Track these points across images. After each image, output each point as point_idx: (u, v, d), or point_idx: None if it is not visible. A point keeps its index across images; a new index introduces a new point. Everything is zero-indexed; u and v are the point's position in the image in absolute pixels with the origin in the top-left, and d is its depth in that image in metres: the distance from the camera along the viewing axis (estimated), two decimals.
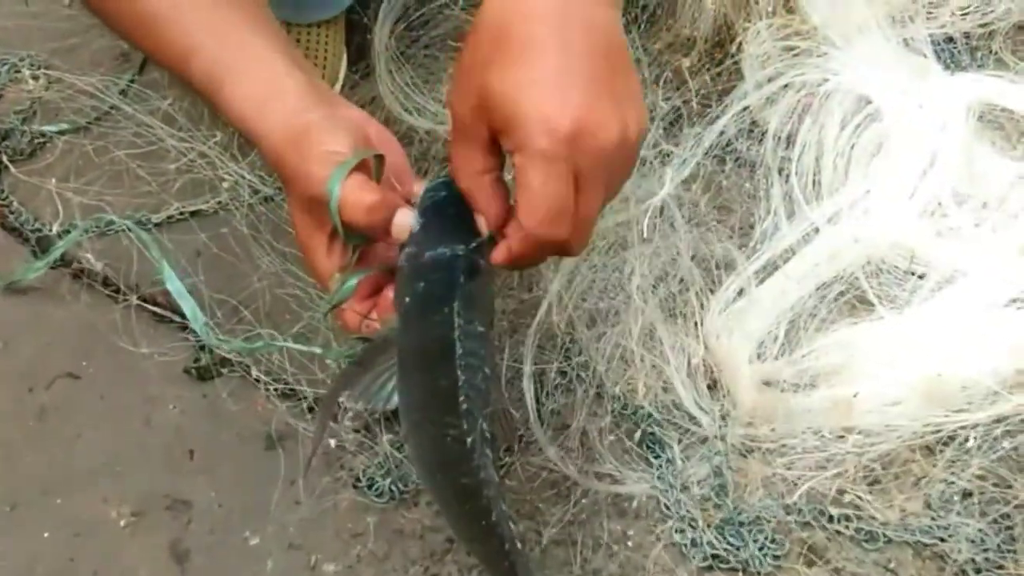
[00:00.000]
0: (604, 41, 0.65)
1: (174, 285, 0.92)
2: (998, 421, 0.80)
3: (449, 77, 1.08)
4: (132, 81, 1.09)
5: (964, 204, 0.94)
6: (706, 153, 0.99)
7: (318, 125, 0.71)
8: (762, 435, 0.82)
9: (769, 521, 0.79)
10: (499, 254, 0.68)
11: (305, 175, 0.69)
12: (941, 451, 0.80)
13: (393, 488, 0.84)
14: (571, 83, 0.63)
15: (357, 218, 0.68)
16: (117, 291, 0.95)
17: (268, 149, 0.72)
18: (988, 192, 0.94)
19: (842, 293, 0.90)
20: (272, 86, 0.73)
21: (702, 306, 0.89)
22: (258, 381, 0.89)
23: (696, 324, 0.88)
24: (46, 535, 0.84)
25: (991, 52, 1.07)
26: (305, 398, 0.88)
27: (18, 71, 1.11)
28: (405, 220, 0.70)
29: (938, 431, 0.80)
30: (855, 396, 0.80)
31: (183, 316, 0.93)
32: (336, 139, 0.70)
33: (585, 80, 0.63)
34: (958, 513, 0.79)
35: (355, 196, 0.68)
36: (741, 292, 0.89)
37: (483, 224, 0.69)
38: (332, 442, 0.87)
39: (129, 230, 0.97)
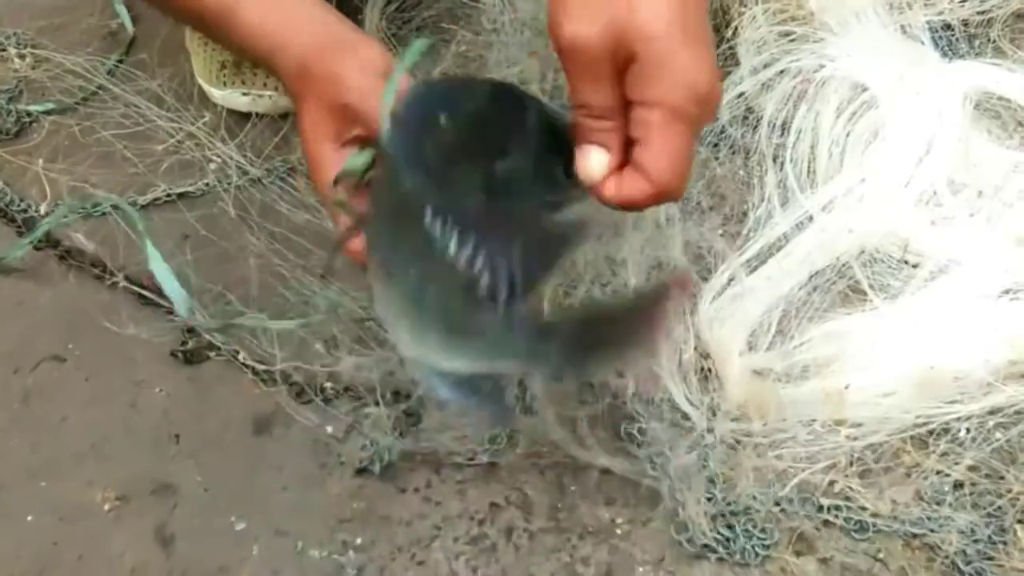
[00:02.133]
0: None
1: (158, 266, 0.91)
2: (991, 412, 0.79)
3: (442, 58, 1.07)
4: (120, 61, 1.08)
5: (959, 193, 0.93)
6: (700, 139, 0.98)
7: (352, 37, 0.71)
8: (753, 426, 0.81)
9: (759, 511, 0.79)
10: (608, 190, 0.64)
11: (336, 79, 0.68)
12: (933, 442, 0.80)
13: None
14: (705, 41, 0.62)
15: None
16: (105, 270, 0.94)
17: (291, 56, 0.70)
18: (984, 181, 0.93)
19: (836, 282, 0.89)
20: (297, 3, 0.73)
21: (694, 295, 0.88)
22: (246, 365, 0.88)
23: (687, 313, 0.87)
24: (30, 519, 0.83)
25: (989, 40, 1.06)
26: (294, 383, 0.87)
27: (4, 49, 1.09)
28: None
29: (930, 422, 0.79)
30: (846, 388, 0.79)
31: (169, 299, 0.92)
32: (372, 51, 0.69)
33: (709, 36, 0.63)
34: (949, 504, 0.78)
35: None
36: (731, 281, 0.88)
37: (600, 164, 0.65)
38: (329, 428, 0.86)
39: (117, 208, 0.96)
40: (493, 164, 0.65)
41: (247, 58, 0.78)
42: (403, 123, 0.65)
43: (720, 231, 0.94)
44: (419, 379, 0.72)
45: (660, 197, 0.64)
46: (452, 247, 0.62)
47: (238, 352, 0.89)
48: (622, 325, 0.68)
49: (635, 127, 0.63)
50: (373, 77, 0.68)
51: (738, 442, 0.81)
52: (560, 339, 0.65)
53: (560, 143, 0.66)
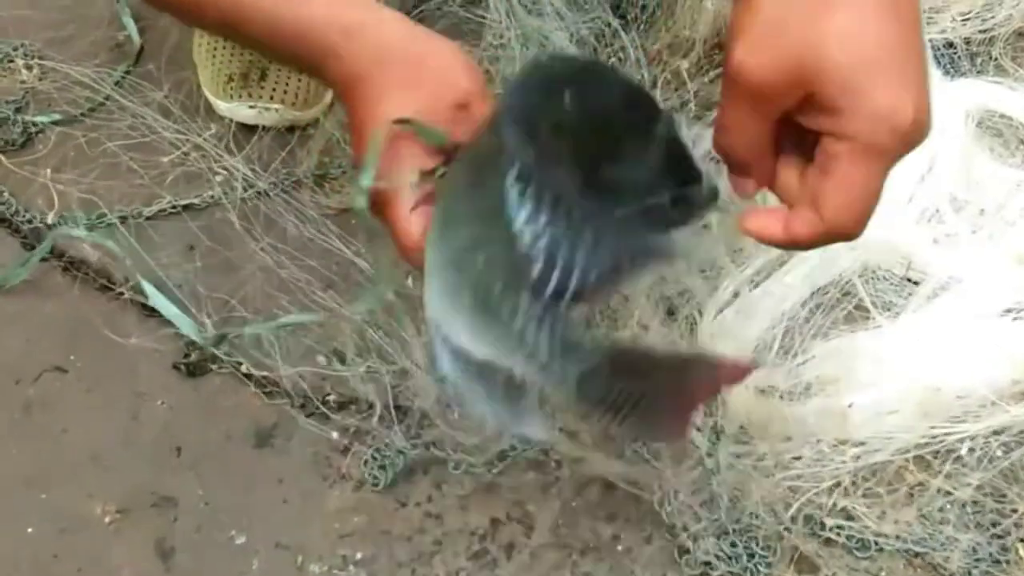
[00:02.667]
0: (916, 3, 0.57)
1: (158, 300, 0.91)
2: (995, 432, 0.79)
3: None
4: (127, 73, 1.08)
5: (962, 211, 0.93)
6: (704, 155, 0.98)
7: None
8: (756, 443, 0.81)
9: (761, 529, 0.78)
10: (773, 228, 0.60)
11: (446, 72, 0.64)
12: (936, 461, 0.80)
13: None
14: (911, 63, 0.55)
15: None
16: (110, 281, 0.94)
17: (393, 38, 0.65)
18: (986, 199, 0.93)
19: (838, 299, 0.89)
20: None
21: (699, 311, 0.88)
22: (249, 377, 0.88)
23: (692, 329, 0.87)
24: (30, 530, 0.83)
25: (991, 58, 1.06)
26: (297, 395, 0.88)
27: (11, 60, 1.10)
28: None
29: (933, 442, 0.79)
30: (849, 406, 0.79)
31: None
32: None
33: (919, 58, 0.56)
34: (952, 523, 0.78)
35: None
36: (737, 295, 0.88)
37: (745, 187, 0.62)
38: (331, 440, 0.86)
39: (124, 220, 0.97)
40: (604, 162, 0.59)
41: (278, 48, 0.69)
42: (524, 85, 0.60)
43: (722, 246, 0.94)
44: (428, 346, 0.66)
45: (831, 236, 0.58)
46: (522, 218, 0.57)
47: (241, 364, 0.89)
48: (660, 389, 0.62)
49: (820, 157, 0.57)
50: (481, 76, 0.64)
51: (739, 457, 0.81)
52: (586, 365, 0.60)
53: (680, 166, 0.60)
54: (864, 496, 0.80)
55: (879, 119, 0.54)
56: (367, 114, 0.65)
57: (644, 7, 1.08)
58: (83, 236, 0.93)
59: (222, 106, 1.04)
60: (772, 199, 0.63)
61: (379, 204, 0.65)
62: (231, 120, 1.03)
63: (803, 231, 0.59)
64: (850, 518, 0.79)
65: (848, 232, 0.58)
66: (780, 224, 0.60)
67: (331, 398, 0.87)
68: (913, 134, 0.55)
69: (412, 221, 0.64)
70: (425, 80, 0.65)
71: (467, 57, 0.67)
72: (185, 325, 0.90)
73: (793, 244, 0.60)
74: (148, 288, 0.91)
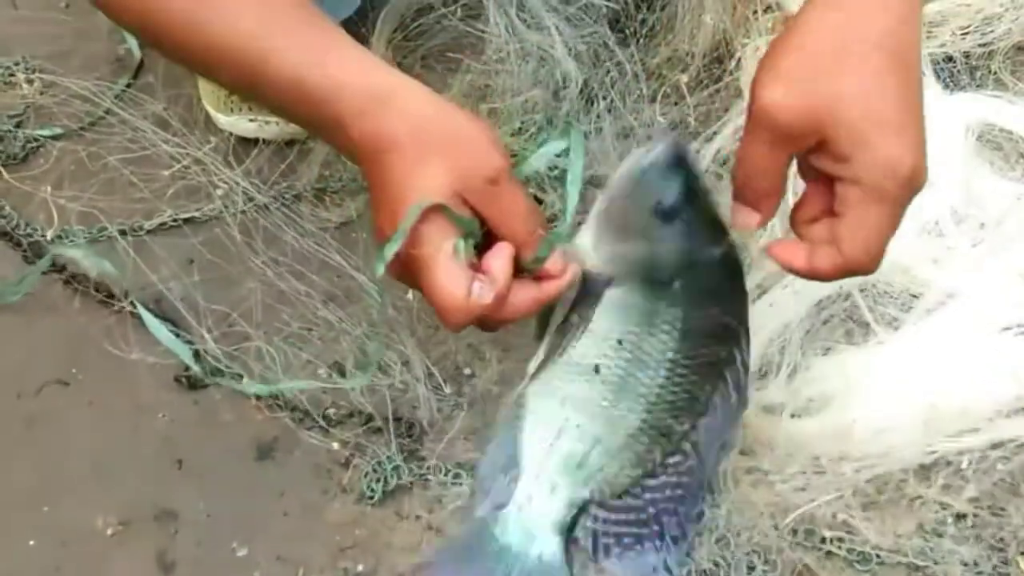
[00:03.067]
0: (918, 68, 0.67)
1: (159, 331, 0.91)
2: (994, 446, 0.79)
3: (447, 87, 1.08)
4: (127, 86, 1.09)
5: (962, 224, 0.93)
6: (704, 170, 0.98)
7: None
8: (759, 458, 0.81)
9: (762, 542, 0.78)
10: (797, 259, 0.70)
11: (483, 144, 0.68)
12: (935, 475, 0.80)
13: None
14: (911, 122, 0.65)
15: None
16: (110, 295, 0.94)
17: (426, 110, 0.69)
18: (986, 212, 0.94)
19: (838, 312, 0.89)
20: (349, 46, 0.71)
21: None
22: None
23: None
24: (32, 543, 0.83)
25: (991, 72, 1.07)
26: (298, 408, 0.88)
27: (12, 75, 1.10)
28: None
29: (933, 456, 0.79)
30: (854, 429, 0.79)
31: (175, 323, 0.93)
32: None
33: (917, 118, 0.66)
34: (952, 536, 0.78)
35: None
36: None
37: (749, 220, 0.72)
38: (335, 444, 0.86)
39: (124, 233, 0.97)
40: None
41: (299, 111, 0.71)
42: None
43: None
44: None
45: (848, 271, 0.67)
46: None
47: (242, 377, 0.89)
48: None
49: (838, 201, 0.66)
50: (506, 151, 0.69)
51: (743, 473, 0.81)
52: None
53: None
54: (864, 509, 0.80)
55: (883, 168, 0.64)
56: (401, 181, 0.67)
57: (644, 21, 1.08)
58: (80, 256, 0.93)
59: (222, 119, 1.04)
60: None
61: (414, 269, 0.68)
62: (231, 133, 1.03)
63: (823, 265, 0.68)
64: (850, 531, 0.79)
65: (864, 267, 0.67)
66: (804, 256, 0.69)
67: (331, 411, 0.87)
68: (912, 181, 0.64)
69: (456, 282, 0.67)
70: (461, 154, 0.68)
71: (494, 132, 0.71)
72: (180, 350, 0.89)
73: (813, 275, 0.70)
74: (144, 314, 0.91)
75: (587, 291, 0.77)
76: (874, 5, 0.66)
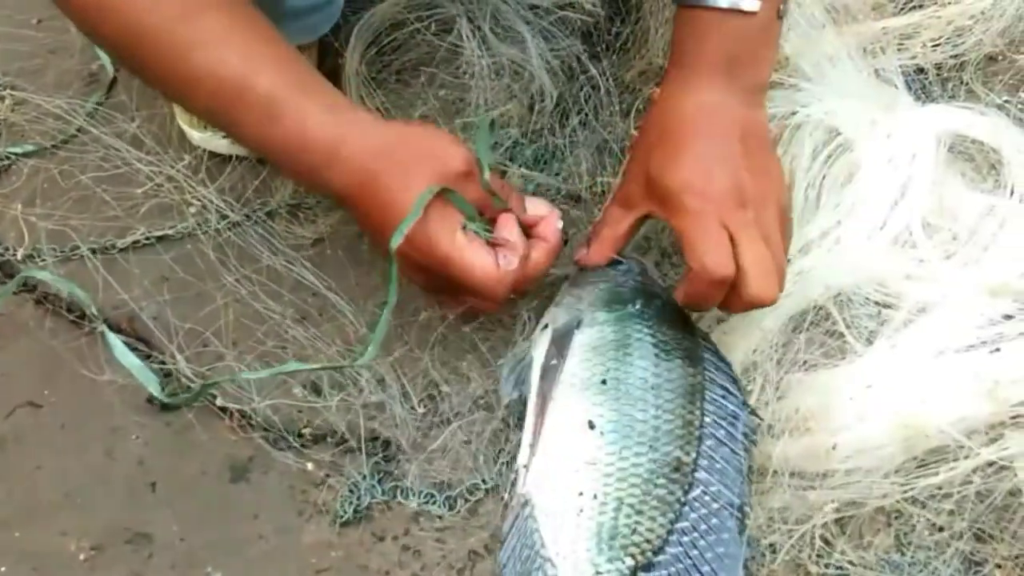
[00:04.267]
0: (741, 131, 0.81)
1: (125, 357, 0.90)
2: (972, 462, 0.79)
3: (422, 102, 1.08)
4: (100, 104, 1.08)
5: (935, 236, 0.93)
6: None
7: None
8: None
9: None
10: (677, 293, 0.81)
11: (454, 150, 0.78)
12: (915, 491, 0.80)
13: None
14: (715, 163, 0.79)
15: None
16: (82, 316, 0.93)
17: (377, 138, 0.77)
18: (958, 224, 0.94)
19: (814, 325, 0.89)
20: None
21: None
22: (224, 411, 0.88)
23: None
24: (3, 569, 0.82)
25: (962, 83, 1.07)
26: (272, 429, 0.87)
27: None
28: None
29: (912, 473, 0.79)
30: (833, 448, 0.79)
31: (148, 343, 0.92)
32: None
33: (722, 158, 0.79)
34: (931, 550, 0.79)
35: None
36: (719, 322, 0.88)
37: (580, 252, 0.87)
38: (310, 464, 0.86)
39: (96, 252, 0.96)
40: None
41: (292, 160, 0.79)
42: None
43: None
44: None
45: (709, 281, 0.78)
46: None
47: (216, 397, 0.88)
48: None
49: (679, 239, 0.81)
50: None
51: None
52: None
53: None
54: (843, 525, 0.80)
55: (682, 191, 0.79)
56: (394, 195, 0.76)
57: (617, 35, 1.08)
58: (49, 279, 0.93)
59: (196, 135, 1.03)
60: None
61: (439, 265, 0.77)
62: (204, 150, 1.03)
63: (687, 286, 0.79)
64: (829, 545, 0.79)
65: (716, 273, 0.77)
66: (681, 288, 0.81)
67: (306, 431, 0.87)
68: (718, 200, 0.78)
69: (484, 258, 0.77)
70: (433, 161, 0.78)
71: (446, 130, 0.83)
72: (148, 379, 0.88)
73: (690, 297, 0.80)
74: (112, 341, 0.90)
75: (560, 337, 0.81)
76: (722, 93, 0.82)
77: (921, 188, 0.95)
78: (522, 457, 0.77)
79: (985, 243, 0.92)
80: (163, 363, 0.90)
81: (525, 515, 0.74)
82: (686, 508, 0.73)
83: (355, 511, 0.82)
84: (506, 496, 0.81)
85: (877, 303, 0.90)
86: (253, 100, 0.75)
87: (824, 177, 0.96)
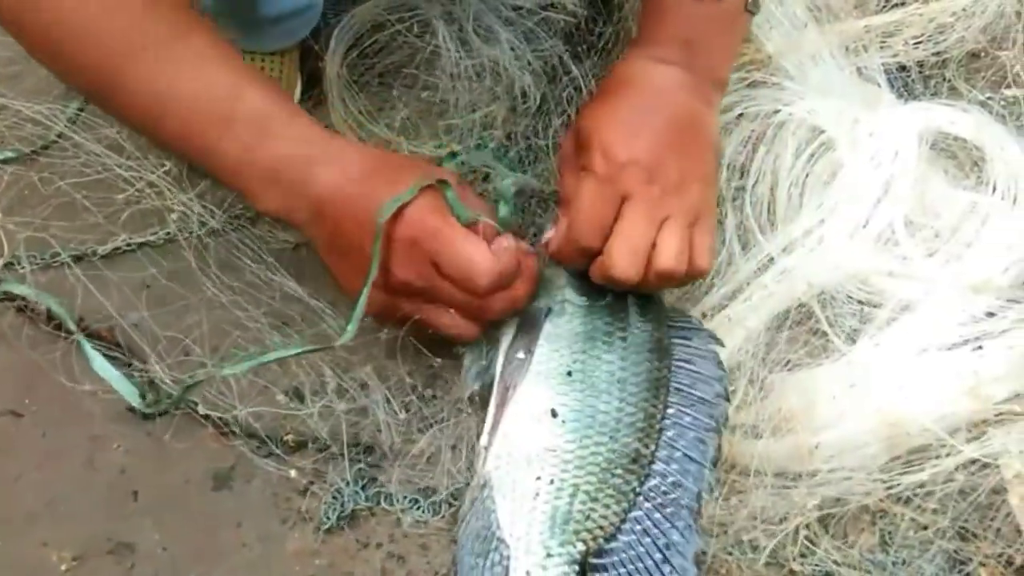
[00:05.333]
0: (681, 116, 0.79)
1: (102, 367, 0.89)
2: (955, 460, 0.79)
3: (404, 104, 1.07)
4: (81, 110, 1.07)
5: (917, 233, 0.94)
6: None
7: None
8: (722, 478, 0.81)
9: (726, 560, 0.78)
10: (551, 243, 0.81)
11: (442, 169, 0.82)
12: (898, 489, 0.79)
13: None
14: (640, 131, 0.77)
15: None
16: (60, 327, 0.93)
17: (366, 154, 0.80)
18: (941, 221, 0.94)
19: (797, 323, 0.89)
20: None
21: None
22: (206, 418, 0.87)
23: None
24: None
25: (944, 80, 1.07)
26: (254, 435, 0.86)
27: None
28: None
29: (895, 471, 0.79)
30: (816, 447, 0.79)
31: (129, 350, 0.91)
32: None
33: (654, 134, 0.77)
34: (915, 549, 0.79)
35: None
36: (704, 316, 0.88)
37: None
38: (293, 471, 0.85)
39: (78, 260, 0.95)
40: None
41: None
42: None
43: None
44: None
45: (577, 248, 0.79)
46: None
47: (197, 404, 0.88)
48: None
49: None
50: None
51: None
52: None
53: None
54: (827, 524, 0.80)
55: (597, 149, 0.77)
56: (389, 187, 0.76)
57: (600, 35, 1.08)
58: (27, 293, 0.92)
59: None
60: None
61: (430, 246, 0.75)
62: None
63: (556, 241, 0.81)
64: (813, 544, 0.79)
65: (584, 242, 0.77)
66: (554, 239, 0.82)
67: (289, 438, 0.86)
68: (627, 170, 0.76)
69: (477, 241, 0.76)
70: (423, 166, 0.80)
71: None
72: (127, 391, 0.88)
73: (557, 254, 0.82)
74: (90, 353, 0.89)
75: (527, 324, 0.80)
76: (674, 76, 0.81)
77: (904, 186, 0.95)
78: (484, 439, 0.78)
79: (968, 240, 0.93)
80: (144, 371, 0.89)
81: (484, 496, 0.75)
82: (640, 498, 0.74)
83: (339, 518, 0.82)
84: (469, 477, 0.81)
85: (860, 301, 0.90)
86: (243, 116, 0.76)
87: (807, 175, 0.97)
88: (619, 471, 0.75)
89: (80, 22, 0.75)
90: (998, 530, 0.78)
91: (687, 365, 0.79)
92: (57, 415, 0.89)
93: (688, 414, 0.78)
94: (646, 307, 0.82)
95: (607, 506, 0.74)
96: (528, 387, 0.77)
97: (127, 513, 0.84)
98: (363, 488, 0.83)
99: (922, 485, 0.79)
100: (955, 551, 0.78)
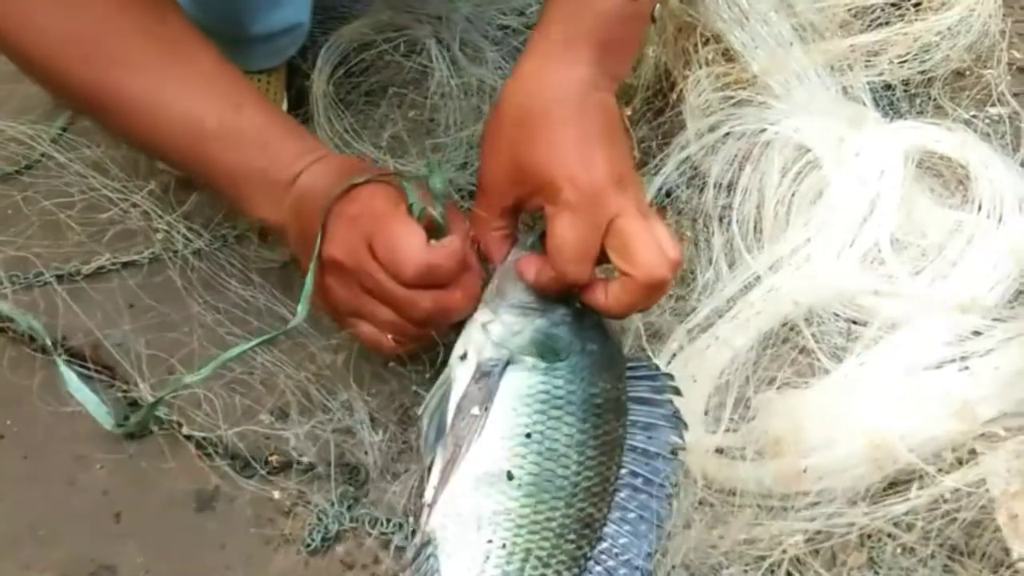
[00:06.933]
0: (611, 118, 0.78)
1: (77, 388, 0.88)
2: (944, 480, 0.79)
3: (391, 123, 1.07)
4: (64, 129, 1.07)
5: (903, 252, 0.94)
6: (648, 203, 0.98)
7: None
8: (710, 498, 0.80)
9: None
10: (529, 274, 0.79)
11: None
12: (886, 510, 0.79)
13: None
14: (587, 148, 0.75)
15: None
16: (43, 348, 0.92)
17: (350, 158, 0.84)
18: (927, 240, 0.94)
19: (784, 341, 0.89)
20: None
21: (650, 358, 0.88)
22: (189, 439, 0.86)
23: None
24: None
25: (930, 99, 1.08)
26: (238, 456, 0.86)
27: None
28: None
29: (883, 492, 0.79)
30: (804, 471, 0.78)
31: (112, 371, 0.90)
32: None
33: (597, 142, 0.76)
34: (904, 569, 0.78)
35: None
36: (680, 350, 0.88)
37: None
38: (276, 492, 0.84)
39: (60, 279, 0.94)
40: None
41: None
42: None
43: (669, 292, 0.94)
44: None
45: (569, 284, 0.78)
46: None
47: (181, 425, 0.87)
48: None
49: (547, 229, 0.78)
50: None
51: (695, 511, 0.81)
52: None
53: None
54: (814, 544, 0.79)
55: (562, 182, 0.75)
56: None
57: None
58: (6, 311, 0.92)
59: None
60: None
61: (369, 224, 0.75)
62: (170, 175, 1.02)
63: (544, 280, 0.79)
64: (800, 563, 0.79)
65: (575, 276, 0.76)
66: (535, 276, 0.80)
67: (273, 458, 0.85)
68: (599, 194, 0.75)
69: (414, 228, 0.74)
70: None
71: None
72: (100, 414, 0.87)
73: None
74: (66, 373, 0.88)
75: (484, 380, 0.76)
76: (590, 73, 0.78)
77: (890, 204, 0.95)
78: (428, 495, 0.74)
79: (954, 259, 0.93)
80: (127, 391, 0.89)
81: (427, 554, 0.72)
82: (591, 562, 0.73)
83: (323, 539, 0.81)
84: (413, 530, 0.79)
85: (847, 320, 0.90)
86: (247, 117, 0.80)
87: (793, 194, 0.97)
88: (572, 536, 0.73)
89: (74, 32, 0.78)
90: (984, 550, 0.78)
91: (643, 419, 0.78)
92: (39, 436, 0.88)
93: (641, 474, 0.76)
94: (608, 360, 0.80)
95: (558, 572, 0.72)
96: (483, 446, 0.74)
97: (110, 535, 0.83)
98: (348, 509, 0.82)
99: (910, 503, 0.79)
100: (943, 570, 0.78)
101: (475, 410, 0.75)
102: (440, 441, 0.75)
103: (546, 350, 0.78)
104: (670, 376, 0.81)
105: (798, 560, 0.78)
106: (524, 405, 0.75)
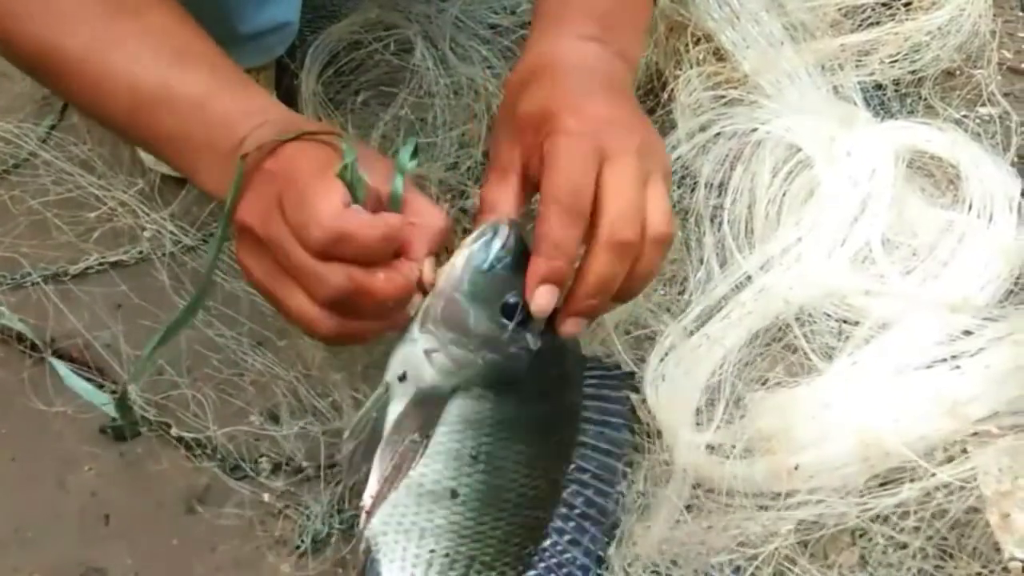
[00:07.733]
0: (621, 87, 0.75)
1: (72, 380, 0.88)
2: (935, 478, 0.79)
3: (381, 122, 1.07)
4: (52, 128, 1.06)
5: (894, 252, 0.94)
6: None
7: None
8: (701, 498, 0.80)
9: None
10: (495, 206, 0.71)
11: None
12: (877, 508, 0.79)
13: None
14: (594, 93, 0.71)
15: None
16: (34, 347, 0.91)
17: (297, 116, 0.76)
18: (918, 239, 0.94)
19: (775, 340, 0.89)
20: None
21: (642, 360, 0.88)
22: (179, 440, 0.86)
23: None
24: None
25: (920, 98, 1.08)
26: (228, 458, 0.85)
27: None
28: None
29: (875, 490, 0.78)
30: (795, 468, 0.78)
31: (101, 371, 0.90)
32: None
33: (601, 88, 0.72)
34: (894, 567, 0.78)
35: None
36: (672, 349, 0.88)
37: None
38: (267, 494, 0.84)
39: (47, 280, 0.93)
40: None
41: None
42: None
43: (661, 291, 0.94)
44: None
45: (566, 219, 0.68)
46: None
47: (170, 426, 0.87)
48: None
49: (544, 161, 0.71)
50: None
51: (686, 510, 0.81)
52: None
53: None
54: (806, 543, 0.79)
55: (562, 111, 0.69)
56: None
57: None
58: None
59: (149, 160, 1.02)
60: None
61: (290, 172, 0.66)
62: (158, 174, 1.01)
63: (544, 221, 0.69)
64: (791, 562, 0.79)
65: (574, 207, 0.68)
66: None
67: (263, 460, 0.85)
68: (601, 124, 0.69)
69: (336, 190, 0.64)
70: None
71: None
72: (99, 401, 0.87)
73: (547, 237, 0.68)
74: (62, 370, 0.88)
75: (426, 407, 0.71)
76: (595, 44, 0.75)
77: (881, 204, 0.95)
78: (366, 499, 0.71)
79: (945, 259, 0.93)
80: (115, 392, 0.88)
81: (369, 560, 0.71)
82: (535, 558, 0.72)
83: (314, 541, 0.81)
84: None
85: (838, 320, 0.90)
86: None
87: (784, 194, 0.96)
88: (517, 540, 0.72)
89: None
90: (974, 548, 0.78)
91: (595, 416, 0.76)
92: (28, 437, 0.88)
93: (589, 470, 0.75)
94: (562, 376, 0.76)
95: (503, 573, 0.72)
96: (426, 466, 0.71)
97: (99, 537, 0.83)
98: (339, 511, 0.82)
99: (901, 501, 0.79)
100: (934, 569, 0.78)
101: (415, 436, 0.71)
102: (377, 452, 0.71)
103: (497, 383, 0.72)
104: (630, 375, 0.80)
105: (790, 560, 0.78)
106: (471, 428, 0.72)
